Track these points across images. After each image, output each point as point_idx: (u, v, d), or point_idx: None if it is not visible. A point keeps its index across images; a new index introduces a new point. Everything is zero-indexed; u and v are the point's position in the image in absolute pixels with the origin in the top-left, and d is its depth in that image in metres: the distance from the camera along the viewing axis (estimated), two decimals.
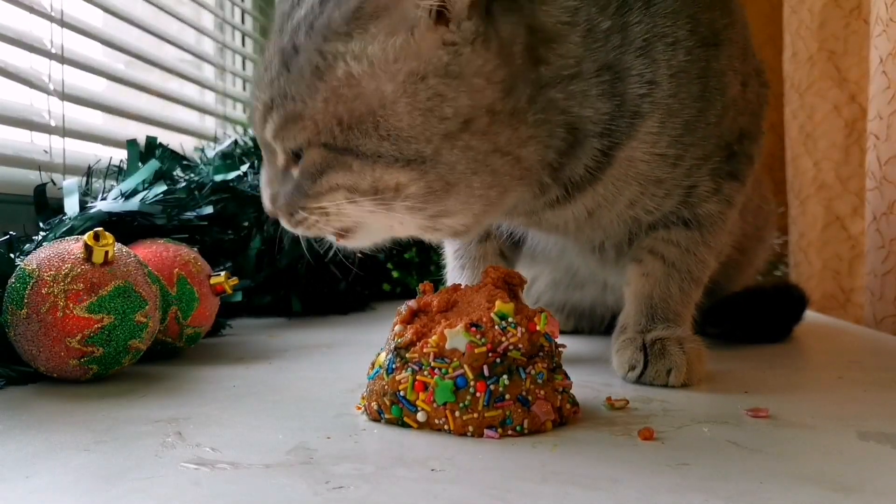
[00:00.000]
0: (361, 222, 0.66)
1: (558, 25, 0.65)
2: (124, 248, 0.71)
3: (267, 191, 0.68)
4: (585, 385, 0.69)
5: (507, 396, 0.53)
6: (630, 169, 0.71)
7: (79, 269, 0.65)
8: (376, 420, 0.56)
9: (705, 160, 0.74)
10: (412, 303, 0.58)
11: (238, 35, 1.78)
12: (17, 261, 0.70)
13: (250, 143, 1.35)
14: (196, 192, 1.01)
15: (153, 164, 0.95)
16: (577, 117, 0.66)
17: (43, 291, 0.64)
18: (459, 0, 0.59)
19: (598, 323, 1.03)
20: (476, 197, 0.63)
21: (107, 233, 0.67)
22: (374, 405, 0.56)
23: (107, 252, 0.66)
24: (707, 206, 0.76)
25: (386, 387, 0.55)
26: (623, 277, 0.81)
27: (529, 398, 0.53)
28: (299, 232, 0.67)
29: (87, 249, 0.66)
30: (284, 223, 0.68)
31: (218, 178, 1.08)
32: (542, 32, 0.64)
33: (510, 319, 0.55)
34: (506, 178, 0.64)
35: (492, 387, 0.53)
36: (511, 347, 0.54)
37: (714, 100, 0.71)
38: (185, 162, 1.10)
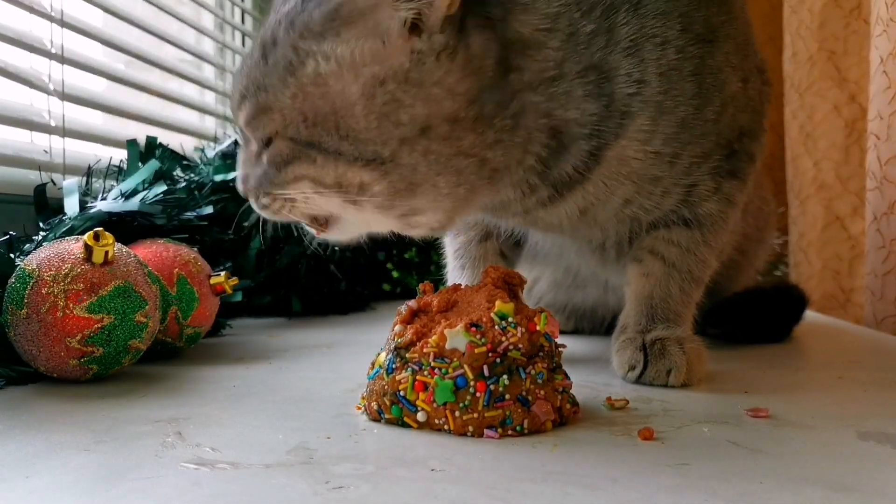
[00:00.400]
0: (336, 215, 0.67)
1: (536, 33, 0.65)
2: (124, 248, 0.71)
3: (240, 171, 0.70)
4: (585, 385, 0.69)
5: (507, 396, 0.53)
6: (622, 167, 0.70)
7: (79, 269, 0.65)
8: (376, 420, 0.56)
9: (704, 158, 0.74)
10: (412, 303, 0.58)
11: (238, 35, 1.78)
12: (17, 261, 0.70)
13: None
14: (196, 192, 1.01)
15: (153, 164, 0.95)
16: (562, 120, 0.66)
17: (43, 291, 0.64)
18: (435, 13, 0.59)
19: (598, 324, 1.03)
20: (444, 196, 0.64)
21: (107, 233, 0.67)
22: (374, 405, 0.56)
23: (107, 252, 0.66)
24: (707, 205, 0.76)
25: (386, 387, 0.55)
26: (624, 277, 0.81)
27: (529, 398, 0.53)
28: (265, 215, 0.69)
29: (87, 249, 0.66)
30: (253, 204, 0.69)
31: (218, 178, 1.08)
32: (519, 43, 0.64)
33: (510, 319, 0.55)
34: (472, 178, 0.64)
35: (492, 387, 0.53)
36: (511, 347, 0.54)
37: (711, 97, 0.71)
38: (185, 162, 1.10)
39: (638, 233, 0.79)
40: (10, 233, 0.77)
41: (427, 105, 0.60)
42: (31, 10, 1.03)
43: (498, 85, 0.63)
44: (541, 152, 0.67)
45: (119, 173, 0.97)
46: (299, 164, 0.63)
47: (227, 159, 1.17)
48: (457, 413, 0.53)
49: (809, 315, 1.09)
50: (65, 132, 1.08)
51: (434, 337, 0.54)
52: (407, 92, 0.60)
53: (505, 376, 0.53)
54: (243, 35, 1.79)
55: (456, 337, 0.53)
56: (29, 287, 0.65)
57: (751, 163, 0.79)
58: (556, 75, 0.65)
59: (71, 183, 0.89)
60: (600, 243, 0.82)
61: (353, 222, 0.68)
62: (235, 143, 1.26)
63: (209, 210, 0.98)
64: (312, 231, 0.70)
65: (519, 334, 0.54)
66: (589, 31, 0.66)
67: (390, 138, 0.60)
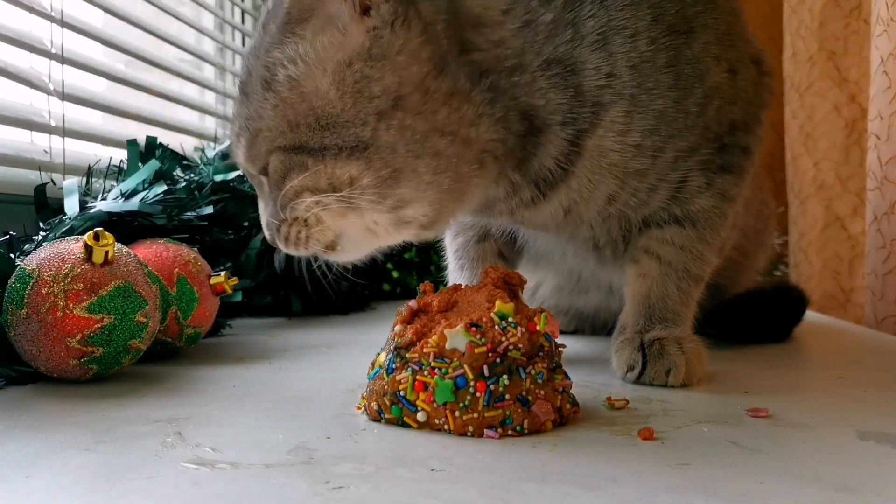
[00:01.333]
0: (341, 232, 0.68)
1: (489, 11, 0.66)
2: (124, 248, 0.71)
3: (263, 219, 0.71)
4: (585, 385, 0.69)
5: (507, 396, 0.53)
6: (602, 160, 0.70)
7: (79, 269, 0.65)
8: (376, 420, 0.56)
9: (691, 152, 0.73)
10: (412, 303, 0.58)
11: (238, 35, 1.78)
12: (17, 261, 0.70)
13: None
14: (196, 192, 1.01)
15: (153, 164, 0.95)
16: (530, 106, 0.67)
17: (43, 291, 0.64)
18: None
19: (601, 327, 1.03)
20: (426, 184, 0.64)
21: (107, 233, 0.67)
22: (374, 405, 0.56)
23: (107, 252, 0.66)
24: (700, 201, 0.75)
25: (386, 387, 0.55)
26: (623, 278, 0.81)
27: (529, 398, 0.53)
28: (292, 251, 0.70)
29: (87, 249, 0.66)
30: (281, 246, 0.70)
31: (218, 178, 1.08)
32: (472, 18, 0.65)
33: (510, 319, 0.55)
34: (454, 161, 0.64)
35: (492, 387, 0.53)
36: (511, 347, 0.54)
37: (692, 88, 0.70)
38: (185, 162, 1.10)
39: (630, 230, 0.78)
40: (10, 233, 0.77)
41: (395, 73, 0.62)
42: (31, 10, 1.03)
43: (461, 59, 0.64)
44: (519, 133, 0.67)
45: (119, 173, 0.97)
46: (294, 174, 0.64)
47: (227, 159, 1.17)
48: (457, 413, 0.53)
49: (809, 315, 1.09)
50: (65, 132, 1.08)
51: (434, 337, 0.54)
52: (374, 67, 0.62)
53: (505, 376, 0.53)
54: (243, 35, 1.79)
55: (456, 337, 0.53)
56: (29, 287, 0.65)
57: (746, 156, 0.77)
58: (516, 65, 0.66)
59: (71, 183, 0.89)
60: (595, 243, 0.82)
61: (358, 237, 0.68)
62: None
63: (209, 210, 0.98)
64: (327, 257, 0.71)
65: (519, 334, 0.54)
66: (549, 20, 0.66)
67: (368, 115, 0.62)
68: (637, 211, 0.75)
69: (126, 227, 0.85)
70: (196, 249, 0.85)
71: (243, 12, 1.80)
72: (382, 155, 0.62)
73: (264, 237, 1.11)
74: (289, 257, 1.15)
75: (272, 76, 0.65)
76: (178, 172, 1.05)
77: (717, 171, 0.75)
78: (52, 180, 0.94)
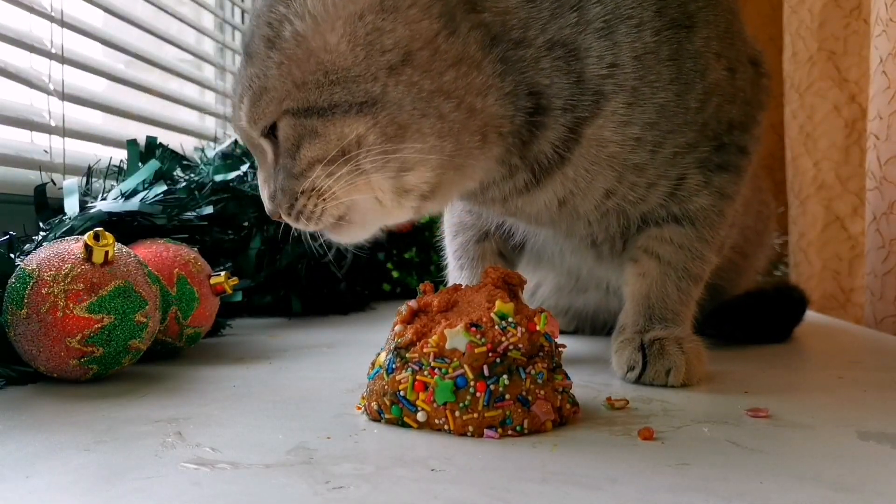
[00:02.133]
0: (351, 205, 0.67)
1: None
2: (124, 248, 0.71)
3: (265, 191, 0.70)
4: (585, 385, 0.69)
5: (507, 396, 0.53)
6: (601, 151, 0.70)
7: (79, 269, 0.65)
8: (376, 420, 0.56)
9: (690, 149, 0.73)
10: (412, 303, 0.58)
11: (238, 35, 1.78)
12: (17, 261, 0.70)
13: None
14: (196, 192, 1.01)
15: (153, 164, 0.95)
16: (536, 84, 0.67)
17: (43, 291, 0.64)
18: None
19: (600, 328, 1.03)
20: (430, 147, 0.64)
21: (107, 233, 0.67)
22: (374, 405, 0.56)
23: (107, 252, 0.66)
24: (698, 200, 0.75)
25: (386, 387, 0.55)
26: (622, 277, 0.81)
27: (529, 398, 0.53)
28: (302, 226, 0.68)
29: (87, 249, 0.66)
30: (287, 219, 0.69)
31: (218, 178, 1.08)
32: None
33: (510, 319, 0.55)
34: (457, 128, 0.64)
35: (492, 387, 0.53)
36: (511, 347, 0.54)
37: (692, 83, 0.70)
38: (185, 162, 1.10)
39: (628, 228, 0.78)
40: (10, 233, 0.77)
41: (407, 26, 0.62)
42: (31, 10, 1.03)
43: (469, 20, 0.65)
44: (526, 107, 0.67)
45: (119, 173, 0.97)
46: (307, 144, 0.64)
47: (227, 159, 1.17)
48: (457, 413, 0.53)
49: (809, 315, 1.09)
50: (65, 132, 1.08)
51: (434, 337, 0.54)
52: (385, 19, 0.62)
53: (505, 376, 0.53)
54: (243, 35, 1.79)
55: (456, 337, 0.53)
56: (29, 287, 0.65)
57: (743, 156, 0.78)
58: (521, 38, 0.66)
59: (71, 183, 0.89)
60: (593, 240, 0.82)
61: (367, 207, 0.68)
62: (235, 142, 1.27)
63: (209, 210, 0.98)
64: (333, 235, 0.71)
65: (519, 334, 0.54)
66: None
67: (379, 69, 0.62)
68: (635, 207, 0.75)
69: (126, 227, 0.85)
70: (196, 249, 0.85)
71: (243, 12, 1.80)
72: (390, 111, 0.62)
73: (264, 237, 1.13)
74: (290, 258, 1.15)
75: (276, 33, 0.64)
76: (178, 172, 1.05)
77: (714, 170, 0.75)
78: (52, 180, 0.94)
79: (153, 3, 1.36)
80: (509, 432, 0.53)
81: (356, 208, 0.68)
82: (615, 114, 0.69)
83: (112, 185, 0.93)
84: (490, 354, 0.53)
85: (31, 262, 0.67)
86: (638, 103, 0.69)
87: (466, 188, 0.72)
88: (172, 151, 1.07)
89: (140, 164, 0.98)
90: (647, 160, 0.71)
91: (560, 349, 0.59)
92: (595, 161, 0.70)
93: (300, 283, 1.18)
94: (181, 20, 1.47)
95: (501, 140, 0.67)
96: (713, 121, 0.73)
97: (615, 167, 0.71)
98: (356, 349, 0.89)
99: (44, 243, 0.74)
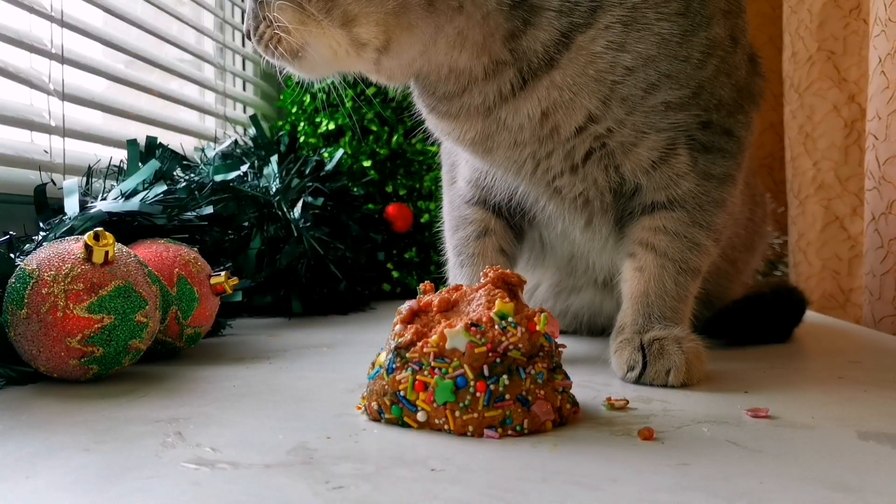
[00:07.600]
0: (306, 42, 0.71)
1: None
2: (124, 248, 0.71)
3: (248, 8, 0.75)
4: (585, 385, 0.69)
5: (507, 396, 0.53)
6: (590, 65, 0.70)
7: (79, 269, 0.65)
8: (376, 420, 0.56)
9: (681, 108, 0.73)
10: (412, 303, 0.58)
11: (238, 35, 1.78)
12: (17, 261, 0.70)
13: (250, 143, 1.35)
14: (196, 192, 1.01)
15: (153, 165, 0.95)
16: None
17: (43, 291, 0.64)
18: None
19: (598, 330, 1.03)
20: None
21: (107, 233, 0.67)
22: (374, 405, 0.56)
23: (107, 252, 0.66)
24: (686, 183, 0.76)
25: (386, 387, 0.55)
26: (616, 264, 0.81)
27: (529, 398, 0.53)
28: (263, 52, 0.74)
29: (87, 249, 0.66)
30: (258, 48, 0.75)
31: (218, 178, 1.08)
32: None
33: (510, 319, 0.55)
34: None
35: (492, 387, 0.53)
36: (511, 347, 0.54)
37: (696, 27, 0.70)
38: (185, 162, 1.10)
39: (620, 191, 0.78)
40: (10, 233, 0.77)
41: None
42: (31, 10, 1.03)
43: None
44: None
45: (119, 173, 0.97)
46: None
47: (227, 159, 1.17)
48: (457, 413, 0.53)
49: (809, 315, 1.09)
50: (65, 132, 1.08)
51: (434, 337, 0.54)
52: None
53: (505, 376, 0.53)
54: (243, 35, 1.79)
55: (456, 337, 0.53)
56: (29, 287, 0.65)
57: (729, 139, 0.77)
58: None
59: (71, 183, 0.89)
60: (588, 217, 0.81)
61: (322, 51, 0.72)
62: (235, 142, 1.27)
63: (209, 210, 0.98)
64: (291, 68, 0.75)
65: (519, 334, 0.54)
66: None
67: None
68: (625, 155, 0.75)
69: (126, 227, 0.85)
70: (196, 249, 0.85)
71: (243, 12, 1.79)
72: None
73: (264, 237, 1.13)
74: (290, 258, 1.15)
75: None
76: (178, 172, 1.05)
77: (700, 151, 0.75)
78: (52, 180, 0.94)
79: (153, 3, 1.36)
80: (509, 432, 0.53)
81: (312, 49, 0.72)
82: (608, 29, 0.69)
83: (112, 185, 0.93)
84: (490, 354, 0.53)
85: (31, 262, 0.67)
86: (636, 25, 0.69)
87: (435, 62, 0.73)
88: (172, 151, 1.07)
89: (140, 164, 0.98)
90: (638, 99, 0.71)
91: (560, 349, 0.59)
92: (582, 73, 0.70)
93: (300, 283, 1.18)
94: (181, 20, 1.47)
95: (459, 14, 0.69)
96: (708, 87, 0.73)
97: (602, 88, 0.71)
98: (356, 349, 0.89)
99: (44, 243, 0.74)
